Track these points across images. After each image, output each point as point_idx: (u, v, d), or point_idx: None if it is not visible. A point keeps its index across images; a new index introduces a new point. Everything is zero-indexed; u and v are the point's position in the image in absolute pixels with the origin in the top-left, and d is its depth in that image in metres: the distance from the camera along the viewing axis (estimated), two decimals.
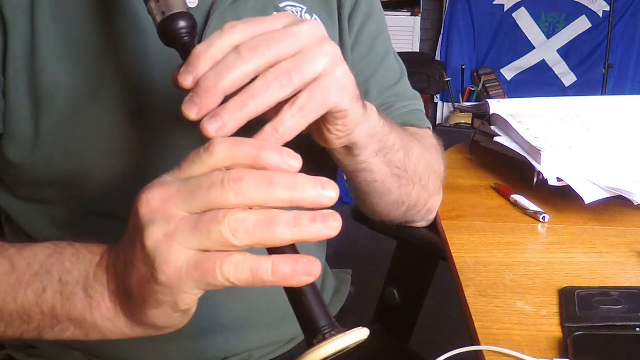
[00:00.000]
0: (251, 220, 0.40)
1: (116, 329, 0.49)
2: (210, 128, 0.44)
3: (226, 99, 0.46)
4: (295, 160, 0.42)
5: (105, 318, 0.49)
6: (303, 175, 0.42)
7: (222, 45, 0.46)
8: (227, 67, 0.45)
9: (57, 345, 0.72)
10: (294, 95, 0.47)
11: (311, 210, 0.41)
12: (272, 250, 0.41)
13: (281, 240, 0.40)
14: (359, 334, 0.42)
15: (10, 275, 0.52)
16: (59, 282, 0.50)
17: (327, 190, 0.41)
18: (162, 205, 0.42)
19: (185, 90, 0.46)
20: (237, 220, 0.40)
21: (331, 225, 0.41)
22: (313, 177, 0.41)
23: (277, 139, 0.46)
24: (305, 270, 0.40)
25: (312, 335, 0.42)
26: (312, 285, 0.42)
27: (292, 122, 0.46)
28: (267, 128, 0.46)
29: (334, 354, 0.41)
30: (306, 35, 0.47)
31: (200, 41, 0.47)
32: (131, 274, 0.45)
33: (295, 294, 0.42)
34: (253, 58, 0.45)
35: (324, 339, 0.41)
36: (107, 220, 0.63)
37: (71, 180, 0.64)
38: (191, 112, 0.45)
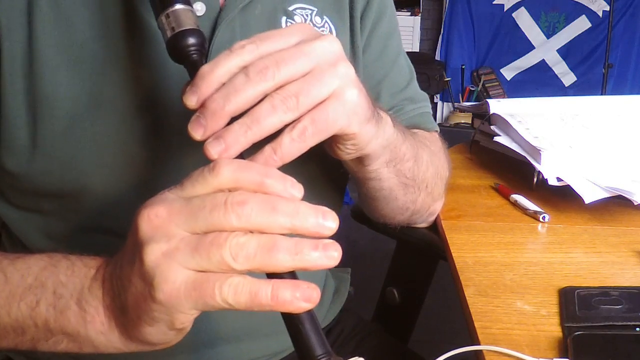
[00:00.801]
0: (253, 245, 0.40)
1: (110, 343, 0.49)
2: (213, 151, 0.44)
3: (233, 119, 0.45)
4: (297, 190, 0.42)
5: (99, 332, 0.48)
6: (305, 203, 0.41)
7: (229, 67, 0.45)
8: (234, 90, 0.44)
9: None
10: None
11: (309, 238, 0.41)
12: (271, 275, 0.41)
13: (281, 266, 0.40)
14: None
15: (4, 288, 0.51)
16: (53, 296, 0.49)
17: (328, 221, 0.41)
18: (163, 224, 0.41)
19: (191, 110, 0.45)
20: (239, 245, 0.40)
21: (331, 256, 0.41)
22: (315, 206, 0.41)
23: (276, 161, 0.45)
24: (304, 297, 0.40)
25: None
26: (310, 312, 0.42)
27: (291, 147, 0.45)
28: (267, 149, 0.45)
29: None
30: (320, 54, 0.46)
31: (209, 51, 0.47)
32: (128, 290, 0.44)
33: (292, 320, 0.42)
34: (262, 81, 0.44)
35: None
36: (104, 236, 0.62)
37: (69, 194, 0.62)
38: (197, 133, 0.45)
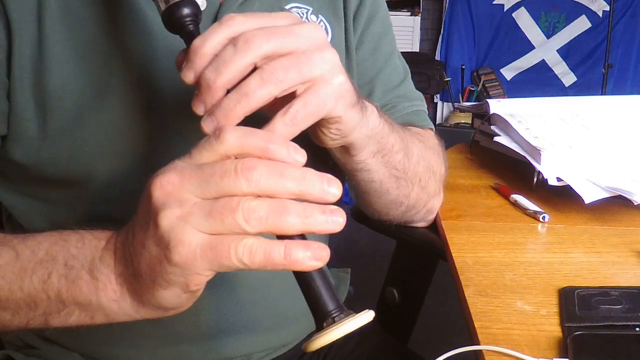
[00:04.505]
0: (264, 208, 0.41)
1: (122, 310, 0.50)
2: (207, 128, 0.46)
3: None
4: (301, 155, 0.44)
5: (111, 300, 0.49)
6: (311, 170, 0.43)
7: (219, 39, 0.46)
8: (223, 63, 0.45)
9: (57, 346, 0.72)
10: (288, 100, 0.47)
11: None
12: (281, 237, 0.43)
13: (291, 229, 0.42)
14: (366, 317, 0.44)
15: (15, 264, 0.52)
16: (64, 267, 0.50)
17: (332, 187, 0.43)
18: (175, 190, 0.43)
19: (190, 86, 0.47)
20: (251, 209, 0.41)
21: (337, 220, 0.43)
22: (320, 172, 0.43)
23: None
24: (315, 256, 0.42)
25: (322, 319, 0.44)
26: (321, 270, 0.44)
27: (283, 130, 0.47)
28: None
29: (343, 336, 0.43)
30: (308, 37, 0.47)
31: None
32: (142, 256, 0.46)
33: (304, 279, 0.44)
34: (250, 50, 0.45)
35: (334, 322, 0.43)
36: (109, 224, 0.63)
37: (76, 183, 0.64)
38: (198, 109, 0.47)
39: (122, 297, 0.49)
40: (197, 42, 0.46)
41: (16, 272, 0.52)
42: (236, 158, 0.43)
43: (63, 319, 0.52)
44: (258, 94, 0.45)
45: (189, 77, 0.46)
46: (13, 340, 0.76)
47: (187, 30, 0.50)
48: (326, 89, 0.48)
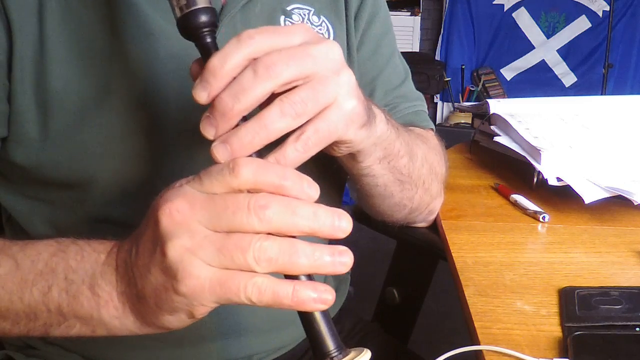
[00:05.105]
0: (275, 250, 0.41)
1: (124, 327, 0.50)
2: (219, 156, 0.44)
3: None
4: (315, 191, 0.44)
5: (113, 317, 0.49)
6: (322, 206, 0.43)
7: (238, 60, 0.44)
8: (242, 89, 0.44)
9: (57, 347, 0.72)
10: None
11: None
12: (288, 275, 0.43)
13: (299, 270, 0.42)
14: (364, 358, 0.45)
15: (15, 274, 0.52)
16: (64, 281, 0.50)
17: (342, 222, 0.43)
18: (185, 220, 0.42)
19: (201, 105, 0.46)
20: (262, 250, 0.41)
21: (344, 262, 0.43)
22: (331, 208, 0.43)
23: None
24: (321, 299, 0.43)
25: (321, 357, 0.45)
26: (324, 310, 0.45)
27: (295, 157, 0.46)
28: (271, 159, 0.46)
29: None
30: (324, 59, 0.46)
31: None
32: (147, 280, 0.45)
33: (308, 317, 0.45)
34: (270, 78, 0.44)
35: None
36: (110, 226, 0.63)
37: (77, 185, 0.64)
38: (209, 133, 0.45)
39: (125, 315, 0.49)
40: (214, 61, 0.44)
41: (16, 282, 0.51)
42: (249, 191, 0.43)
43: (64, 331, 0.52)
44: (277, 127, 0.44)
45: (202, 97, 0.45)
46: (13, 341, 0.76)
47: (204, 42, 0.48)
48: (338, 115, 0.48)
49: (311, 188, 0.43)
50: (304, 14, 0.71)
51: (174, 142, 0.64)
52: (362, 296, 1.00)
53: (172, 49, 0.62)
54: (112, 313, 0.49)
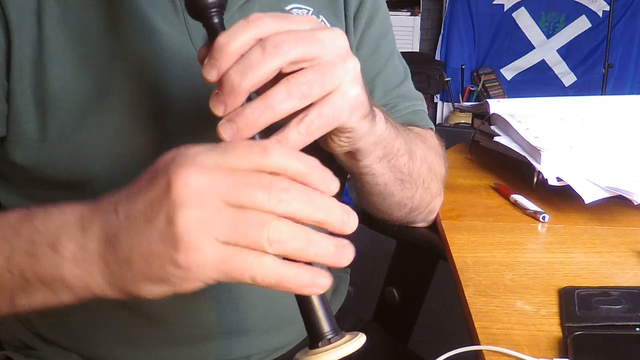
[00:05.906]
0: (289, 233, 0.41)
1: (87, 288, 0.46)
2: (225, 134, 0.44)
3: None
4: (335, 186, 0.44)
5: (75, 276, 0.46)
6: (335, 200, 0.43)
7: (246, 38, 0.45)
8: (250, 66, 0.44)
9: (55, 347, 0.72)
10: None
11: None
12: (287, 258, 0.43)
13: (306, 257, 0.42)
14: (360, 341, 0.46)
15: None
16: (28, 243, 0.47)
17: (351, 219, 0.44)
18: (201, 190, 0.40)
19: (211, 84, 0.46)
20: (277, 230, 0.41)
21: (347, 257, 0.44)
22: (342, 204, 0.44)
23: None
24: (320, 285, 0.43)
25: (317, 339, 0.45)
26: (322, 294, 0.46)
27: (297, 139, 0.46)
28: (272, 140, 0.46)
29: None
30: (331, 45, 0.47)
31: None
32: (137, 245, 0.42)
33: (305, 300, 0.46)
34: (278, 55, 0.44)
35: (329, 343, 0.45)
36: None
37: (76, 184, 0.63)
38: (218, 110, 0.45)
39: (89, 276, 0.45)
40: (222, 39, 0.45)
41: None
42: (271, 173, 0.42)
43: (30, 299, 0.49)
44: (283, 107, 0.45)
45: (211, 75, 0.45)
46: (12, 341, 0.76)
47: (211, 22, 0.48)
48: (342, 101, 0.48)
49: (333, 182, 0.44)
50: (303, 14, 0.71)
51: (174, 141, 0.63)
52: (362, 296, 1.00)
53: (172, 48, 0.62)
54: (74, 272, 0.45)
